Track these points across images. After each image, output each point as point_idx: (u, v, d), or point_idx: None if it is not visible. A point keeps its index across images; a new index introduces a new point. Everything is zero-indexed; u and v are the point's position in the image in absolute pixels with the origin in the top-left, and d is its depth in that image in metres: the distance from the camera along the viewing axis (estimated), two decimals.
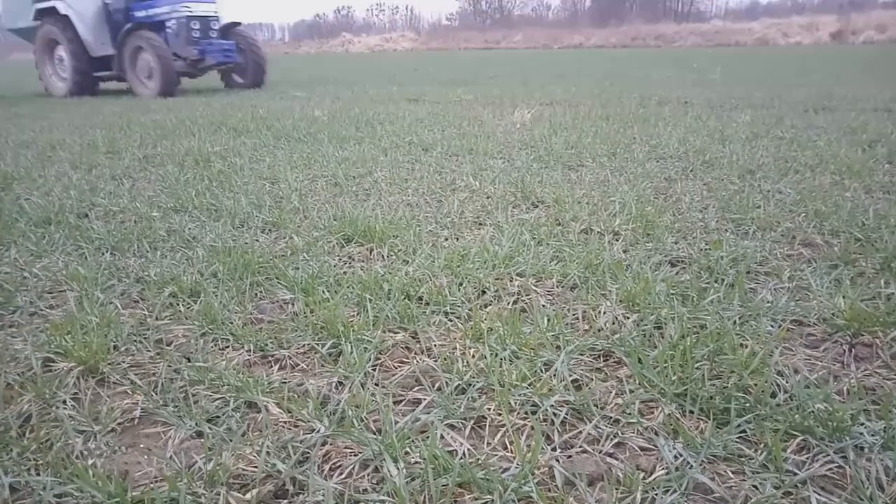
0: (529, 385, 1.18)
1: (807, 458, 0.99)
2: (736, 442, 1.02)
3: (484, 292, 1.63)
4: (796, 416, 1.06)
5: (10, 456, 1.04)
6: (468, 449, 1.03)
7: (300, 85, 9.50)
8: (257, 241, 2.07)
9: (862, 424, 1.05)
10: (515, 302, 1.58)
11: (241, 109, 6.28)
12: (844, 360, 1.28)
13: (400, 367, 1.30)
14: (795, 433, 1.04)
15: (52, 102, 8.19)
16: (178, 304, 1.60)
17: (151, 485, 0.97)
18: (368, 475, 0.99)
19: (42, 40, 9.80)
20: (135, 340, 1.42)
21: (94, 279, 1.76)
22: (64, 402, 1.19)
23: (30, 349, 1.37)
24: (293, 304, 1.59)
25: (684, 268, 1.76)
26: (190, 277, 1.74)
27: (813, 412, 1.07)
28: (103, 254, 2.00)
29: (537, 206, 2.43)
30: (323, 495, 0.93)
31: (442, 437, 1.06)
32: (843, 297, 1.50)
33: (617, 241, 1.99)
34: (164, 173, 3.18)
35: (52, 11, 9.43)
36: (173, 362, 1.31)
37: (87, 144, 4.22)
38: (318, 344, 1.38)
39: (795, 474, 0.96)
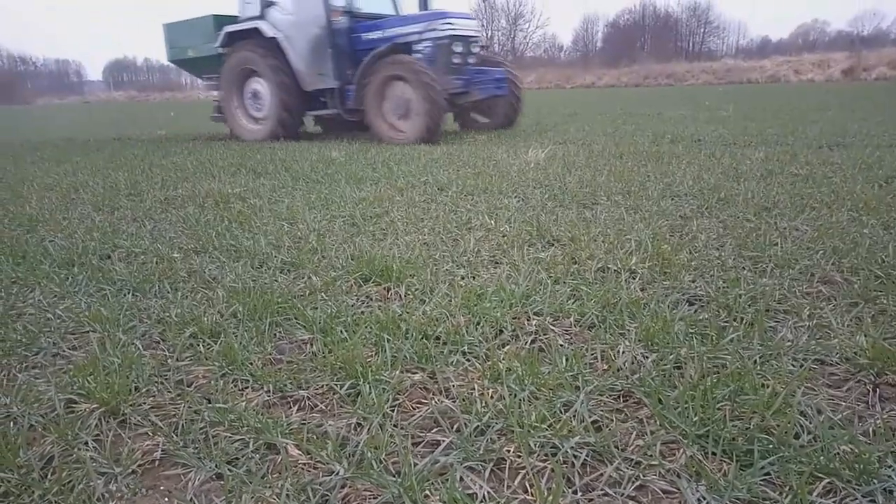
0: (549, 426, 1.18)
1: (834, 502, 0.97)
2: (760, 485, 1.01)
3: (501, 331, 1.64)
4: (821, 457, 1.04)
5: (31, 498, 1.05)
6: (488, 492, 1.02)
7: (317, 125, 9.63)
8: (276, 281, 2.09)
9: (890, 467, 1.03)
10: (533, 341, 1.58)
11: (260, 151, 6.40)
12: (869, 401, 1.26)
13: (418, 407, 1.30)
14: (821, 475, 1.02)
15: (74, 146, 8.32)
16: (198, 345, 1.62)
17: None
18: None
19: (232, 72, 7.95)
20: (156, 382, 1.43)
21: (116, 320, 1.78)
22: (86, 443, 1.20)
23: (53, 390, 1.39)
24: (312, 345, 1.60)
25: (702, 306, 1.75)
26: (210, 318, 1.75)
27: (839, 454, 1.05)
28: (125, 295, 2.03)
29: (553, 245, 2.44)
30: None
31: (461, 479, 1.05)
32: (865, 336, 1.48)
33: (634, 279, 1.99)
34: (185, 215, 3.24)
35: (252, 35, 7.65)
36: (194, 403, 1.32)
37: (109, 187, 4.32)
38: (336, 384, 1.38)
39: None
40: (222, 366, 1.48)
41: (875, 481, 1.00)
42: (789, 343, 1.48)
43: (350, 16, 7.58)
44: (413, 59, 6.79)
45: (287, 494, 1.02)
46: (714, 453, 1.09)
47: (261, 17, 7.62)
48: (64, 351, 1.63)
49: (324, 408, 1.32)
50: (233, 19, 8.13)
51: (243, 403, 1.31)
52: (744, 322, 1.60)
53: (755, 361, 1.39)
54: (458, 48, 7.09)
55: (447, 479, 1.03)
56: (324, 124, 8.87)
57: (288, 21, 7.50)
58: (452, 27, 7.00)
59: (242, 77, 7.97)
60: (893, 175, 3.54)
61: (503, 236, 2.58)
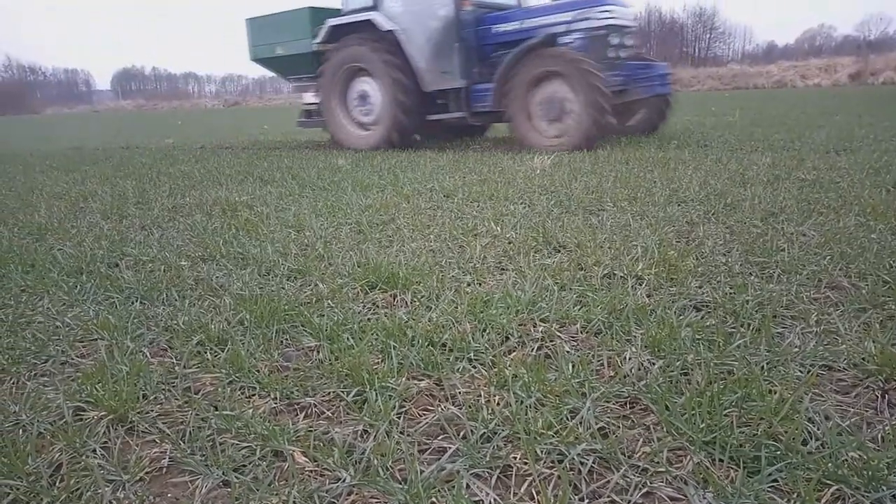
0: (555, 433, 1.17)
1: None
2: (768, 491, 1.00)
3: (508, 338, 1.64)
4: (829, 464, 1.04)
5: None
6: (494, 499, 1.02)
7: (324, 134, 9.67)
8: (283, 288, 2.10)
9: None
10: (539, 348, 1.58)
11: (267, 159, 6.43)
12: (877, 407, 1.26)
13: (425, 414, 1.30)
14: (829, 482, 1.01)
15: (83, 155, 8.37)
16: (205, 353, 1.62)
17: None
18: None
19: (336, 71, 7.05)
20: (163, 389, 1.44)
21: (123, 328, 1.79)
22: (94, 450, 1.21)
23: (61, 398, 1.40)
24: (318, 352, 1.60)
25: (709, 312, 1.75)
26: (217, 325, 1.76)
27: (847, 460, 1.05)
28: (133, 303, 2.04)
29: (559, 251, 2.44)
30: None
31: (468, 486, 1.05)
32: (874, 341, 1.47)
33: (640, 285, 1.99)
34: (193, 223, 3.25)
35: (361, 29, 6.76)
36: (201, 411, 1.33)
37: (117, 195, 4.35)
38: (343, 391, 1.38)
39: None
40: (229, 373, 1.49)
41: (884, 488, 0.99)
42: (797, 349, 1.48)
43: (477, 6, 6.63)
44: (574, 52, 5.77)
45: (294, 501, 1.02)
46: (721, 460, 1.09)
47: (373, 7, 6.77)
48: (72, 359, 1.64)
49: (330, 415, 1.32)
50: (332, 12, 7.28)
51: (250, 411, 1.32)
52: (751, 328, 1.60)
53: (762, 367, 1.38)
54: (615, 39, 6.09)
55: (453, 487, 1.03)
56: (423, 131, 7.58)
57: (406, 12, 6.61)
58: (610, 15, 5.99)
59: (347, 77, 7.06)
60: None
61: (509, 243, 2.58)
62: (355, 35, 6.86)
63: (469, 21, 6.49)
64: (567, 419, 1.23)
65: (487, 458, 1.12)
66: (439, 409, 1.31)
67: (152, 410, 1.35)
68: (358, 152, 6.80)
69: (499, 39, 6.49)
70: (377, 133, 7.01)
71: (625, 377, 1.39)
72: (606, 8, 6.02)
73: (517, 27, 6.38)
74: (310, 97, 7.82)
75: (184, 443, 1.22)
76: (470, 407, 1.29)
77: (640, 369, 1.42)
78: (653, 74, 6.48)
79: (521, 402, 1.29)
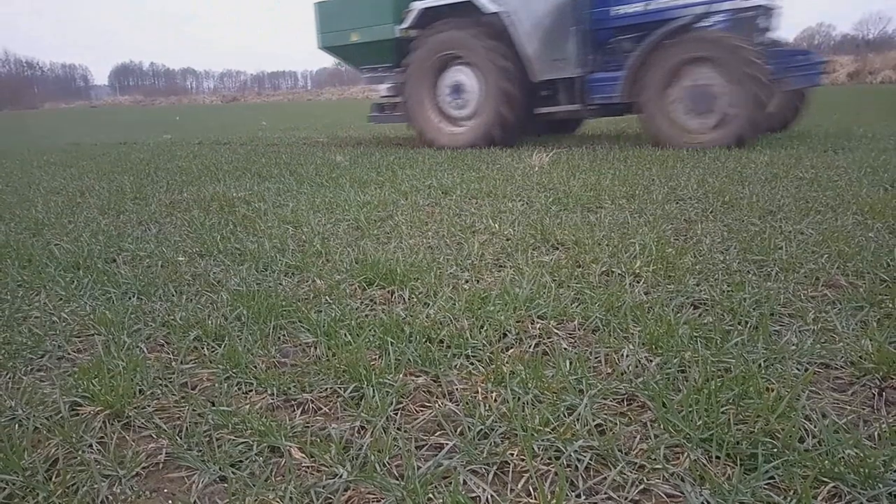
0: (553, 430, 1.17)
1: None
2: (764, 489, 1.00)
3: (505, 335, 1.63)
4: (826, 462, 1.04)
5: (36, 500, 1.05)
6: (491, 495, 1.02)
7: (322, 130, 9.66)
8: (281, 284, 2.10)
9: (895, 471, 1.02)
10: (537, 345, 1.58)
11: (265, 155, 6.42)
12: (874, 405, 1.26)
13: (422, 411, 1.30)
14: (826, 480, 1.01)
15: (81, 150, 8.34)
16: (202, 348, 1.62)
17: None
18: None
19: (426, 59, 6.35)
20: (160, 384, 1.43)
21: (120, 323, 1.79)
22: (90, 445, 1.20)
23: (57, 393, 1.39)
24: (316, 348, 1.60)
25: (707, 310, 1.75)
26: (214, 321, 1.76)
27: (843, 458, 1.05)
28: (130, 298, 2.03)
29: (557, 248, 2.44)
30: None
31: (465, 482, 1.05)
32: (871, 340, 1.47)
33: (638, 282, 1.99)
34: (190, 218, 3.25)
35: (458, 12, 6.09)
36: (198, 406, 1.32)
37: (115, 190, 4.34)
38: (340, 387, 1.38)
39: None
40: (226, 369, 1.49)
41: (880, 485, 0.99)
42: (794, 347, 1.48)
43: None
44: (731, 36, 5.09)
45: (290, 497, 1.02)
46: (718, 457, 1.09)
47: None
48: (69, 354, 1.64)
49: (327, 411, 1.32)
50: None
51: (247, 406, 1.31)
52: (748, 326, 1.60)
53: (759, 365, 1.38)
54: (763, 23, 5.40)
55: (450, 483, 1.03)
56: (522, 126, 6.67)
57: None
58: None
59: (438, 66, 6.36)
60: None
61: (507, 240, 2.58)
62: (450, 19, 6.19)
63: (585, 2, 5.82)
64: (564, 416, 1.22)
65: (484, 455, 1.12)
66: (436, 405, 1.31)
67: (149, 406, 1.35)
68: (355, 149, 6.78)
69: (618, 23, 5.79)
70: (474, 128, 6.29)
71: (622, 374, 1.39)
72: None
73: (642, 8, 5.62)
74: (386, 89, 7.10)
75: (180, 438, 1.22)
76: (467, 403, 1.29)
77: (637, 366, 1.42)
78: (806, 63, 5.63)
79: (519, 398, 1.29)
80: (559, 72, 6.00)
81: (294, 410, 1.33)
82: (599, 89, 5.83)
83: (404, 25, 6.50)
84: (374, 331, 1.65)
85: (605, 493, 1.02)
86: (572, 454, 1.10)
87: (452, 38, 6.21)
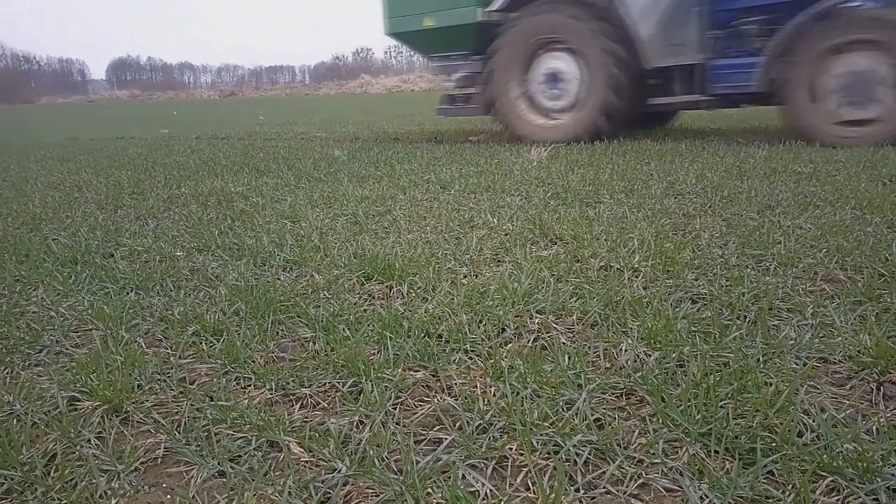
0: (551, 424, 1.17)
1: (837, 501, 0.97)
2: (763, 483, 1.00)
3: (504, 330, 1.63)
4: (824, 456, 1.04)
5: (34, 495, 1.05)
6: (490, 490, 1.02)
7: (320, 125, 9.65)
8: (279, 279, 2.10)
9: (893, 465, 1.02)
10: (536, 339, 1.58)
11: (263, 150, 6.41)
12: (872, 399, 1.26)
13: (420, 405, 1.30)
14: (824, 474, 1.02)
15: (78, 145, 8.31)
16: (200, 343, 1.62)
17: None
18: None
19: (517, 46, 5.82)
20: (158, 379, 1.43)
21: (118, 318, 1.78)
22: (88, 441, 1.20)
23: (55, 388, 1.39)
24: (314, 343, 1.60)
25: (705, 305, 1.75)
26: (213, 316, 1.76)
27: (841, 452, 1.05)
28: (128, 293, 2.03)
29: (556, 243, 2.44)
30: None
31: (464, 477, 1.05)
32: (869, 334, 1.47)
33: (637, 277, 1.99)
34: (188, 213, 3.24)
35: None
36: (196, 401, 1.32)
37: (112, 185, 4.33)
38: (339, 382, 1.38)
39: None
40: (225, 364, 1.48)
41: (878, 480, 0.99)
42: (792, 341, 1.48)
43: None
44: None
45: (289, 492, 1.02)
46: (717, 451, 1.09)
47: None
48: (67, 349, 1.64)
49: (326, 406, 1.32)
50: None
51: (246, 401, 1.31)
52: (747, 320, 1.60)
53: (758, 360, 1.38)
54: None
55: (449, 477, 1.03)
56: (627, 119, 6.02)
57: None
58: None
59: (530, 53, 5.81)
60: None
61: (506, 234, 2.58)
62: (549, 2, 5.67)
63: None
64: (563, 410, 1.23)
65: (483, 449, 1.12)
66: (435, 400, 1.31)
67: (147, 401, 1.35)
68: (353, 144, 6.76)
69: (743, 4, 5.16)
70: (575, 121, 5.70)
71: (621, 369, 1.39)
72: None
73: None
74: (460, 79, 6.59)
75: (179, 433, 1.22)
76: (466, 398, 1.29)
77: (636, 361, 1.43)
78: None
79: (517, 393, 1.29)
80: (677, 58, 5.39)
81: (293, 405, 1.33)
82: (725, 77, 5.19)
83: (492, 8, 5.92)
84: (373, 325, 1.65)
85: (604, 488, 1.02)
86: (571, 449, 1.10)
87: (551, 21, 5.61)
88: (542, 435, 1.14)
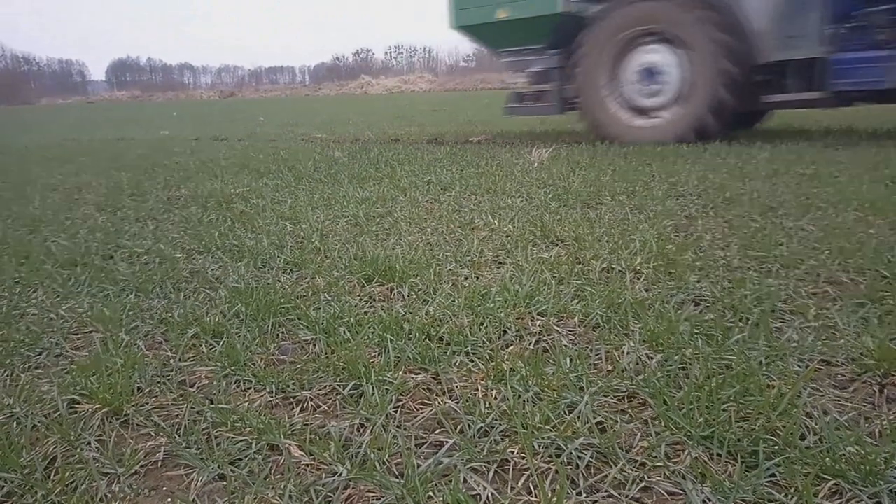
0: (553, 427, 1.17)
1: None
2: (766, 486, 1.00)
3: (505, 332, 1.63)
4: (827, 459, 1.04)
5: (35, 498, 1.05)
6: (492, 493, 1.02)
7: (320, 126, 9.64)
8: (279, 281, 2.09)
9: None
10: (537, 342, 1.57)
11: (263, 151, 6.41)
12: (875, 402, 1.25)
13: (421, 408, 1.29)
14: (827, 477, 1.01)
15: (78, 146, 8.31)
16: (201, 345, 1.61)
17: None
18: None
19: (610, 38, 5.42)
20: (158, 382, 1.43)
21: (118, 320, 1.78)
22: (88, 443, 1.20)
23: (55, 391, 1.39)
24: (315, 345, 1.60)
25: (708, 307, 1.74)
26: (213, 318, 1.75)
27: (844, 455, 1.04)
28: (128, 295, 2.03)
29: (557, 245, 2.43)
30: None
31: (465, 480, 1.05)
32: (872, 337, 1.47)
33: (638, 279, 1.98)
34: (188, 215, 3.24)
35: None
36: (196, 404, 1.32)
37: (112, 187, 4.32)
38: (339, 385, 1.38)
39: None
40: (225, 366, 1.48)
41: (881, 483, 0.99)
42: (795, 344, 1.47)
43: None
44: None
45: (290, 495, 1.02)
46: (719, 454, 1.08)
47: None
48: (67, 351, 1.63)
49: (326, 409, 1.31)
50: None
51: (246, 404, 1.31)
52: (749, 323, 1.60)
53: (761, 362, 1.38)
54: None
55: (450, 481, 1.02)
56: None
57: None
58: None
59: (621, 46, 5.42)
60: None
61: (507, 236, 2.58)
62: None
63: None
64: (565, 413, 1.22)
65: (485, 453, 1.11)
66: (436, 403, 1.30)
67: (147, 403, 1.34)
68: (354, 145, 6.75)
69: None
70: (676, 119, 5.26)
71: (623, 371, 1.38)
72: None
73: None
74: (531, 76, 6.23)
75: (179, 436, 1.21)
76: (467, 401, 1.28)
77: (638, 364, 1.42)
78: None
79: (519, 396, 1.28)
80: (795, 51, 4.93)
81: (293, 408, 1.32)
82: (851, 73, 4.75)
83: None
84: (374, 328, 1.65)
85: (606, 491, 1.02)
86: (573, 452, 1.10)
87: (650, 10, 5.21)
88: (543, 438, 1.14)
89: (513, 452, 1.12)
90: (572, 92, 5.90)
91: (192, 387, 1.42)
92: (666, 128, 5.36)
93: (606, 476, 1.05)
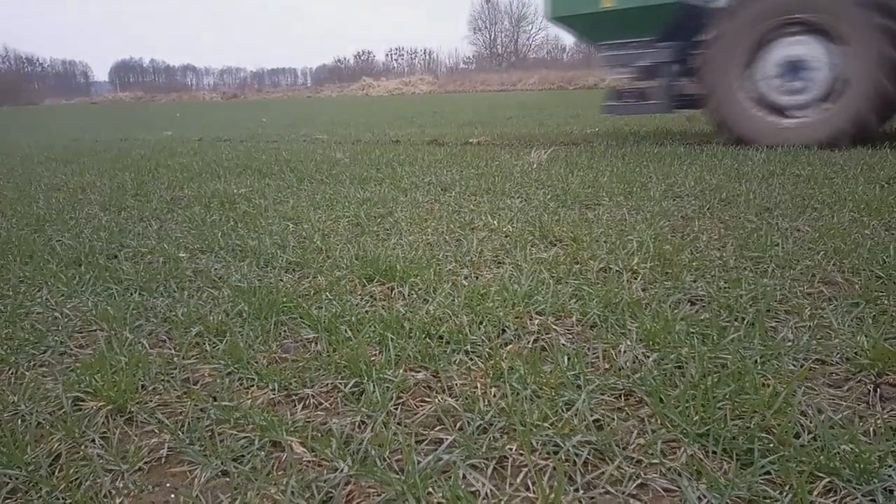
0: (551, 425, 1.19)
1: (834, 501, 0.98)
2: (761, 483, 1.01)
3: (504, 331, 1.65)
4: (822, 457, 1.05)
5: (39, 495, 1.07)
6: (490, 490, 1.03)
7: (322, 127, 9.66)
8: (281, 280, 2.11)
9: (890, 466, 1.03)
10: (535, 341, 1.59)
11: (266, 152, 6.42)
12: (869, 400, 1.27)
13: (422, 406, 1.31)
14: (822, 475, 1.02)
15: (81, 147, 8.32)
16: (204, 344, 1.63)
17: None
18: None
19: (748, 29, 4.90)
20: (162, 380, 1.44)
21: (122, 319, 1.80)
22: (93, 440, 1.22)
23: (60, 388, 1.40)
24: (317, 343, 1.61)
25: (704, 306, 1.76)
26: (216, 317, 1.77)
27: (839, 453, 1.06)
28: (132, 294, 2.04)
29: (555, 245, 2.45)
30: None
31: (464, 477, 1.06)
32: (866, 336, 1.48)
33: (635, 279, 2.00)
34: (191, 215, 3.26)
35: None
36: (200, 401, 1.33)
37: (116, 187, 4.34)
38: (341, 383, 1.39)
39: None
40: (228, 364, 1.50)
41: (875, 481, 1.00)
42: (790, 343, 1.49)
43: None
44: None
45: (292, 491, 1.03)
46: (715, 452, 1.10)
47: None
48: (71, 349, 1.65)
49: (328, 406, 1.33)
50: None
51: (249, 401, 1.33)
52: (745, 322, 1.61)
53: (756, 361, 1.39)
54: None
55: (450, 477, 1.04)
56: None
57: None
58: None
59: (757, 38, 4.90)
60: (895, 176, 3.54)
61: (506, 236, 2.59)
62: None
63: None
64: (562, 411, 1.24)
65: (484, 450, 1.13)
66: (436, 400, 1.32)
67: (151, 401, 1.36)
68: (355, 146, 6.76)
69: None
70: (827, 117, 4.76)
71: (620, 370, 1.40)
72: None
73: None
74: (637, 71, 5.76)
75: (182, 433, 1.23)
76: (466, 399, 1.30)
77: (634, 362, 1.44)
78: None
79: (517, 394, 1.30)
80: None
81: (295, 405, 1.34)
82: None
83: None
84: (375, 327, 1.66)
85: (603, 488, 1.03)
86: (570, 449, 1.12)
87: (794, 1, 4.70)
88: (541, 435, 1.15)
89: (511, 449, 1.13)
90: (692, 89, 5.44)
91: (195, 384, 1.43)
92: (815, 128, 4.80)
93: (603, 473, 1.07)
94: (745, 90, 5.05)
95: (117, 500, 1.05)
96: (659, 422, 1.19)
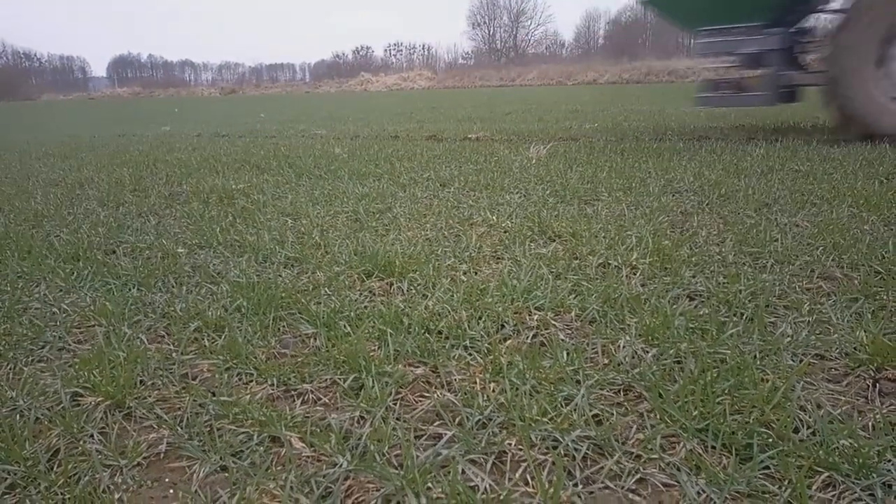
0: (550, 420, 1.19)
1: (833, 496, 0.98)
2: (760, 478, 1.02)
3: (503, 326, 1.64)
4: (821, 451, 1.05)
5: (38, 490, 1.07)
6: (490, 484, 1.03)
7: (320, 123, 9.64)
8: (280, 276, 2.11)
9: (889, 461, 1.03)
10: (534, 336, 1.59)
11: (264, 147, 6.41)
12: (868, 395, 1.27)
13: (421, 401, 1.31)
14: (820, 469, 1.03)
15: (79, 142, 8.31)
16: (203, 339, 1.63)
17: None
18: None
19: (881, 13, 4.48)
20: (161, 375, 1.44)
21: (121, 314, 1.80)
22: (91, 436, 1.22)
23: (58, 383, 1.40)
24: (315, 339, 1.61)
25: (703, 301, 1.76)
26: (215, 312, 1.77)
27: (838, 448, 1.06)
28: (130, 289, 2.04)
29: (554, 240, 2.45)
30: None
31: (463, 472, 1.06)
32: (865, 331, 1.49)
33: (635, 274, 2.00)
34: (190, 210, 3.25)
35: None
36: (198, 396, 1.33)
37: (114, 182, 4.33)
38: (339, 378, 1.39)
39: None
40: (227, 359, 1.49)
41: (874, 475, 1.00)
42: (789, 338, 1.49)
43: None
44: None
45: (291, 486, 1.03)
46: (714, 447, 1.10)
47: None
48: (69, 345, 1.65)
49: (327, 401, 1.33)
50: None
51: (247, 397, 1.32)
52: (744, 317, 1.61)
53: (755, 356, 1.39)
54: None
55: (449, 472, 1.04)
56: None
57: None
58: None
59: (888, 30, 4.48)
60: (894, 171, 3.54)
61: (505, 232, 2.59)
62: None
63: None
64: (561, 406, 1.24)
65: (483, 445, 1.13)
66: (435, 395, 1.32)
67: (150, 396, 1.36)
68: (353, 142, 6.76)
69: None
70: None
71: (619, 365, 1.40)
72: None
73: None
74: (739, 60, 5.39)
75: (181, 428, 1.23)
76: (465, 394, 1.30)
77: (634, 357, 1.44)
78: None
79: (517, 389, 1.30)
80: None
81: (294, 400, 1.34)
82: None
83: None
84: (373, 322, 1.66)
85: (602, 483, 1.03)
86: (569, 444, 1.12)
87: None
88: (540, 430, 1.16)
89: (510, 444, 1.13)
90: (805, 80, 5.08)
91: (194, 380, 1.43)
92: None
93: (602, 467, 1.07)
94: (875, 79, 4.60)
95: (116, 496, 1.05)
96: (658, 417, 1.19)
